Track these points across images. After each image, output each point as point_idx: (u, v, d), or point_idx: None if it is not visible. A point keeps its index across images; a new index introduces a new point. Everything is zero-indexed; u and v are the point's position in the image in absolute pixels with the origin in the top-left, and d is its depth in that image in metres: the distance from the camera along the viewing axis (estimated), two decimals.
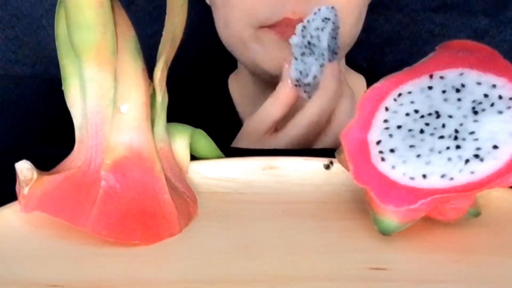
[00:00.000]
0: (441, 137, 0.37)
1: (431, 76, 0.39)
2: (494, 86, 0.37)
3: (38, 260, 0.35)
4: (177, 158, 0.42)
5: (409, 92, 0.39)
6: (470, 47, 0.39)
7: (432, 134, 0.37)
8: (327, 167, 0.43)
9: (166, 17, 0.39)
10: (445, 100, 0.38)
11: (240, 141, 0.57)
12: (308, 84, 0.56)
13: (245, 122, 0.58)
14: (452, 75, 0.39)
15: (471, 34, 0.78)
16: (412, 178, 0.36)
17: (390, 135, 0.38)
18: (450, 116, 0.37)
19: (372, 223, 0.36)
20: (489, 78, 0.38)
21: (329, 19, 0.55)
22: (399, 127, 0.38)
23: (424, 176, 0.35)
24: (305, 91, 0.57)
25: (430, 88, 0.39)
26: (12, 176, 0.37)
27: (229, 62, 0.74)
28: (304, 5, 0.59)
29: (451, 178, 0.35)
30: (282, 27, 0.60)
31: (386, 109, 0.39)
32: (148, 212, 0.37)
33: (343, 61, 0.69)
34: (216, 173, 0.44)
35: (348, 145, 0.38)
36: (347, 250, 0.36)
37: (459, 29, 0.78)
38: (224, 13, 0.64)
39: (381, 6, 0.77)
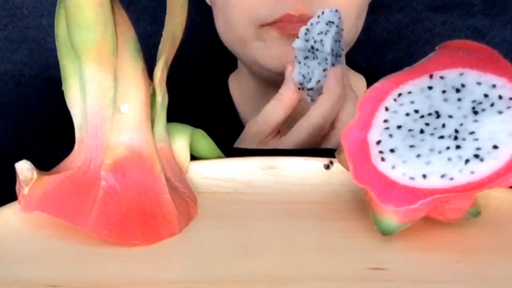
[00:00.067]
0: (441, 137, 0.37)
1: (431, 76, 0.39)
2: (494, 86, 0.37)
3: (38, 260, 0.35)
4: (177, 158, 0.42)
5: (409, 92, 0.39)
6: (470, 47, 0.39)
7: (432, 134, 0.37)
8: (327, 167, 0.43)
9: (166, 17, 0.39)
10: (445, 100, 0.38)
11: (243, 143, 0.57)
12: (311, 89, 0.56)
13: (247, 124, 0.58)
14: (452, 75, 0.38)
15: (471, 34, 0.78)
16: (412, 178, 0.36)
17: (390, 135, 0.38)
18: (450, 116, 0.37)
19: (372, 223, 0.36)
20: (489, 78, 0.38)
21: (333, 22, 0.55)
22: (399, 127, 0.38)
23: (424, 176, 0.35)
24: (308, 95, 0.57)
25: (430, 88, 0.39)
26: (12, 176, 0.37)
27: (229, 62, 0.74)
28: (305, 2, 0.58)
29: (451, 178, 0.35)
30: (283, 23, 0.60)
31: (386, 109, 0.39)
32: (148, 212, 0.37)
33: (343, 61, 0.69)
34: (216, 173, 0.44)
35: (348, 145, 0.38)
36: (347, 250, 0.36)
37: (459, 29, 0.78)
38: (225, 13, 0.64)
39: (381, 6, 0.77)
